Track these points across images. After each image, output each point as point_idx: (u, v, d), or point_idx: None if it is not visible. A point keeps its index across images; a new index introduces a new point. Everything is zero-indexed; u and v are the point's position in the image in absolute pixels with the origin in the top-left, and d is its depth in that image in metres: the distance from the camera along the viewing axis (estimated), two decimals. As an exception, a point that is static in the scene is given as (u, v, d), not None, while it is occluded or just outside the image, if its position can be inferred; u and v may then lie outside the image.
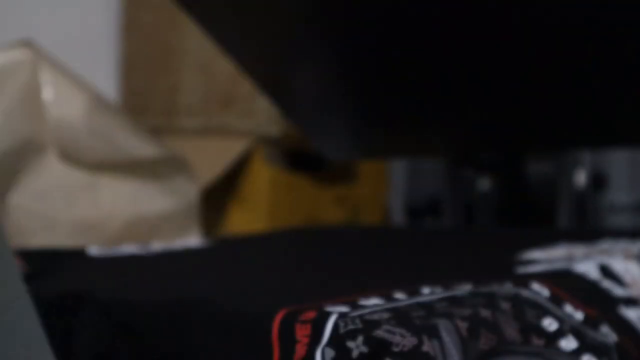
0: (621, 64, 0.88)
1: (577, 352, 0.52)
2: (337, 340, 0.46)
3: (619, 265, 0.62)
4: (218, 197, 1.56)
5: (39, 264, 0.69)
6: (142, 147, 1.32)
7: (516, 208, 1.16)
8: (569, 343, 0.53)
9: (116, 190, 1.09)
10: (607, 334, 0.55)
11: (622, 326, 0.57)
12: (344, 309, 0.49)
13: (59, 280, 0.64)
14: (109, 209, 1.08)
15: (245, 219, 1.58)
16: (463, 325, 0.48)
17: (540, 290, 0.55)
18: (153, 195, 1.15)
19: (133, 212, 1.10)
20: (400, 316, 0.48)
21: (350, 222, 1.59)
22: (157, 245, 0.83)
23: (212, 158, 1.55)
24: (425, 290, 0.54)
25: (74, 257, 0.75)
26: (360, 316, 0.47)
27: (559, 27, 0.86)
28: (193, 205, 1.36)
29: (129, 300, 0.56)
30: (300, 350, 0.47)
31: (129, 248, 0.80)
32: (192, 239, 1.00)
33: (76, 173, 1.03)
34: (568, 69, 0.91)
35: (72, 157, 1.01)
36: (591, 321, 0.55)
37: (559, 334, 0.53)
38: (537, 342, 0.52)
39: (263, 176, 1.57)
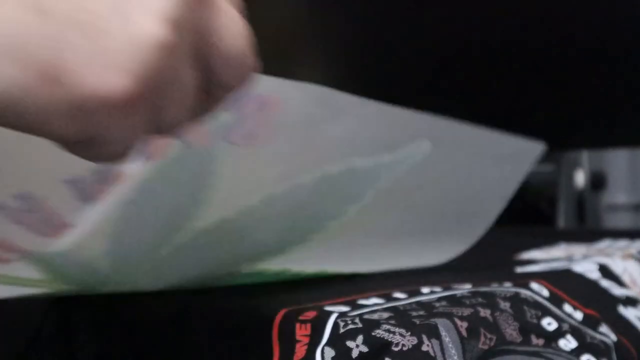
0: (621, 64, 0.88)
1: (577, 352, 0.52)
2: (337, 340, 0.46)
3: (617, 265, 0.62)
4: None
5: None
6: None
7: (515, 208, 1.16)
8: (568, 343, 0.53)
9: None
10: (607, 333, 0.55)
11: (621, 326, 0.57)
12: (343, 308, 0.49)
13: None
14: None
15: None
16: (463, 325, 0.48)
17: (540, 290, 0.55)
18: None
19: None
20: (400, 316, 0.48)
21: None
22: None
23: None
24: (425, 289, 0.54)
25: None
26: (360, 316, 0.47)
27: (558, 28, 0.86)
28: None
29: (130, 299, 0.56)
30: (300, 350, 0.47)
31: None
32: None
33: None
34: (568, 69, 0.91)
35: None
36: (590, 321, 0.55)
37: (559, 333, 0.53)
38: (537, 341, 0.52)
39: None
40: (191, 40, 0.34)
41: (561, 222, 1.16)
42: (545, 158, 1.24)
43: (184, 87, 0.35)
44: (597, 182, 1.22)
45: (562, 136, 1.02)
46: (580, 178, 1.22)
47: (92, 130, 0.33)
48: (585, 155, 1.21)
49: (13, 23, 0.31)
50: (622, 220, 1.22)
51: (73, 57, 0.31)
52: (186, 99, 0.35)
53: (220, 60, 0.36)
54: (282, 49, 1.04)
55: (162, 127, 0.36)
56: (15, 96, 0.31)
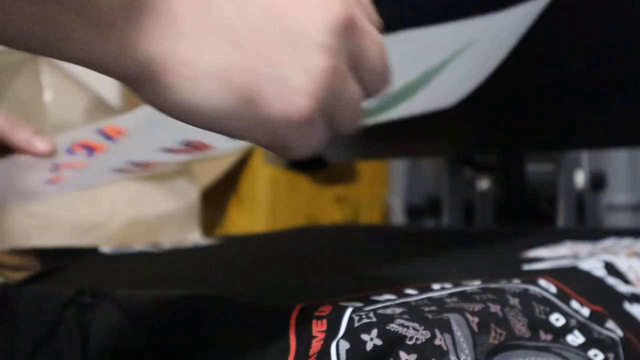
0: (621, 64, 0.89)
1: (584, 347, 0.53)
2: (351, 333, 0.47)
3: (623, 262, 0.63)
4: (218, 197, 1.57)
5: (54, 262, 0.70)
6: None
7: (515, 208, 1.17)
8: (575, 338, 0.54)
9: (116, 190, 1.09)
10: (613, 329, 0.55)
11: (627, 322, 0.58)
12: (357, 304, 0.49)
13: (75, 277, 0.65)
14: (109, 209, 1.09)
15: (245, 219, 1.59)
16: (474, 320, 0.49)
17: (548, 287, 0.56)
18: (153, 196, 1.15)
19: (133, 212, 1.11)
20: (412, 311, 0.49)
21: (351, 222, 1.60)
22: (168, 244, 0.84)
23: (212, 158, 1.56)
24: (435, 286, 0.55)
25: (87, 255, 0.76)
26: (374, 310, 0.48)
27: (558, 28, 0.87)
28: (193, 205, 1.37)
29: (144, 296, 0.57)
30: (315, 345, 0.47)
31: (140, 246, 0.81)
32: (200, 238, 1.00)
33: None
34: (567, 68, 0.91)
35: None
36: (597, 317, 0.56)
37: (566, 329, 0.54)
38: (545, 337, 0.53)
39: (263, 176, 1.58)
40: (348, 61, 0.43)
41: (561, 222, 1.17)
42: (545, 158, 1.25)
43: (351, 99, 0.44)
44: (597, 182, 1.23)
45: (562, 136, 1.03)
46: (580, 178, 1.23)
47: (283, 140, 0.42)
48: (585, 155, 1.22)
49: (219, 55, 0.39)
50: (622, 220, 1.23)
51: (264, 84, 0.40)
52: (354, 106, 0.44)
53: (369, 74, 0.44)
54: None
55: (339, 131, 0.44)
56: (223, 113, 0.40)
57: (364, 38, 0.43)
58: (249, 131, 0.41)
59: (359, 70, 0.44)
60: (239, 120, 0.41)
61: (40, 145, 0.78)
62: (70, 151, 0.78)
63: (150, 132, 0.73)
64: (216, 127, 0.41)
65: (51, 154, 0.79)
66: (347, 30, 0.42)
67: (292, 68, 0.40)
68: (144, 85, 0.41)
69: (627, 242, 0.72)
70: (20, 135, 0.78)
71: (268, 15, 0.40)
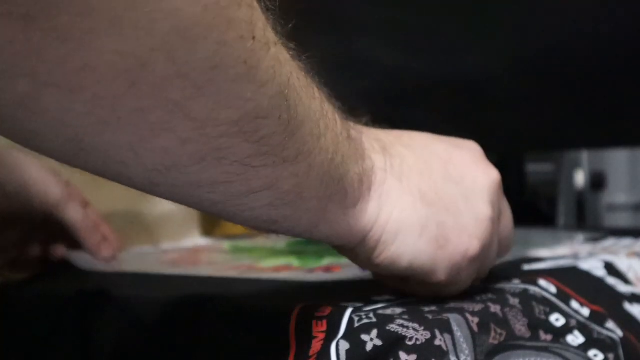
0: (621, 64, 0.89)
1: (584, 347, 0.53)
2: (351, 334, 0.46)
3: (622, 262, 0.63)
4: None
5: (54, 263, 0.70)
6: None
7: (515, 208, 1.16)
8: (575, 338, 0.53)
9: (116, 190, 1.09)
10: (613, 329, 0.55)
11: (627, 322, 0.58)
12: (357, 304, 0.49)
13: (75, 277, 0.65)
14: (109, 209, 1.08)
15: (245, 219, 1.58)
16: (474, 320, 0.49)
17: (548, 287, 0.56)
18: (153, 196, 1.15)
19: (133, 212, 1.11)
20: (412, 311, 0.49)
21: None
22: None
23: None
24: (436, 286, 0.55)
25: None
26: (374, 310, 0.48)
27: (558, 27, 0.87)
28: (193, 205, 1.37)
29: (145, 296, 0.57)
30: (315, 345, 0.47)
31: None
32: (200, 239, 1.00)
33: (76, 173, 1.03)
34: (568, 69, 0.91)
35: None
36: (597, 317, 0.56)
37: (566, 329, 0.54)
38: (545, 337, 0.52)
39: (263, 176, 1.57)
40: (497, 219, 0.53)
41: (561, 221, 1.16)
42: (545, 158, 1.25)
43: (493, 251, 0.53)
44: (597, 182, 1.22)
45: (562, 136, 1.03)
46: (580, 178, 1.23)
47: (457, 275, 0.51)
48: (585, 155, 1.22)
49: (416, 211, 0.49)
50: (622, 220, 1.23)
51: (449, 231, 0.50)
52: (493, 258, 0.54)
53: (502, 236, 0.54)
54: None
55: (480, 276, 0.54)
56: (422, 258, 0.49)
57: (504, 201, 0.55)
58: (435, 270, 0.50)
59: (500, 232, 0.54)
60: (431, 261, 0.50)
61: (105, 253, 0.79)
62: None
63: None
64: (411, 270, 0.50)
65: (112, 260, 0.80)
66: (499, 190, 0.53)
67: (468, 218, 0.51)
68: (360, 247, 0.49)
69: (627, 242, 0.72)
70: (91, 239, 0.78)
71: (448, 181, 0.51)
